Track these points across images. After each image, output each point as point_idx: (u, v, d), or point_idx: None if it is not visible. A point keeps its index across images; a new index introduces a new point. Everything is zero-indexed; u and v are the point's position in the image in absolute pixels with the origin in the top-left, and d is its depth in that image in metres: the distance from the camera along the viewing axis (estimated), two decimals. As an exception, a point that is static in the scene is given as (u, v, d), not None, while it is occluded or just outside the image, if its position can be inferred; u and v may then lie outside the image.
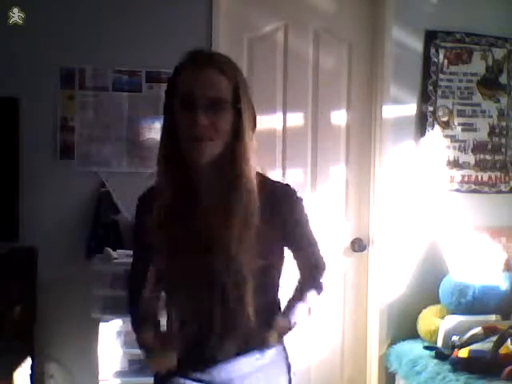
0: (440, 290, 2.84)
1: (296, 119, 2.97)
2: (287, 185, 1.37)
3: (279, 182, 1.37)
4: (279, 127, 2.94)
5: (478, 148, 3.07)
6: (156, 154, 1.29)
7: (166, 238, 1.25)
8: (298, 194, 1.37)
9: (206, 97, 1.19)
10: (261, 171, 1.32)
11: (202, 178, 1.27)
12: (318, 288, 1.45)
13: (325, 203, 2.97)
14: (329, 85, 2.99)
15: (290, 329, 1.38)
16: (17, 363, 2.47)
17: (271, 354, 1.39)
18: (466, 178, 3.05)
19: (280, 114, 2.94)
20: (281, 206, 1.31)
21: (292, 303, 1.41)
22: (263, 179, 1.31)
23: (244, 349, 1.33)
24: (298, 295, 1.42)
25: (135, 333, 1.43)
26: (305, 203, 1.40)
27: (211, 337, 1.29)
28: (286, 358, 1.47)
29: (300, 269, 1.45)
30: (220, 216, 1.23)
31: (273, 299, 1.42)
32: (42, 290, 2.65)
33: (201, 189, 1.28)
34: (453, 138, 3.04)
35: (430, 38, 2.99)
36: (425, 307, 2.87)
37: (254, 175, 1.25)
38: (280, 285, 1.42)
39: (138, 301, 1.37)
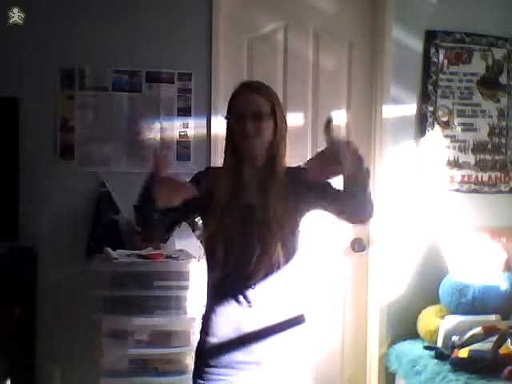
0: (440, 290, 2.84)
1: (296, 119, 2.97)
2: (299, 166, 1.79)
3: (294, 167, 1.80)
4: (279, 127, 2.94)
5: (478, 148, 3.07)
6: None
7: (225, 200, 1.69)
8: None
9: (250, 110, 1.70)
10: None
11: (250, 167, 1.75)
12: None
13: (325, 203, 2.97)
14: (329, 85, 2.99)
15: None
16: (17, 363, 2.47)
17: (295, 336, 1.72)
18: (466, 178, 3.06)
19: (280, 114, 2.94)
20: (300, 178, 1.70)
21: None
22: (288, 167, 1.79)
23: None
24: None
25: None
26: None
27: (248, 262, 1.66)
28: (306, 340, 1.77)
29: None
30: (262, 189, 1.72)
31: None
32: (42, 290, 2.66)
33: (249, 174, 1.76)
34: (453, 138, 3.04)
35: (430, 38, 2.99)
36: (425, 307, 2.87)
37: (285, 164, 1.76)
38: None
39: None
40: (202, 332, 1.75)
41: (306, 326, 1.77)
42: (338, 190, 1.68)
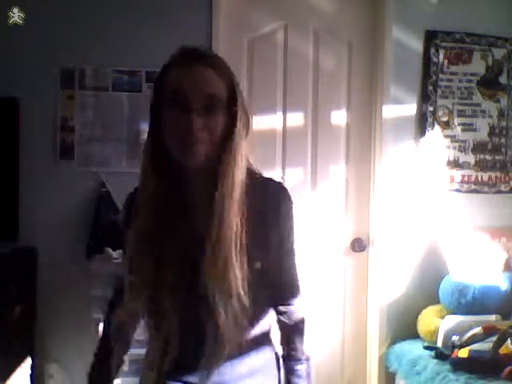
0: (440, 290, 2.84)
1: (296, 119, 2.96)
2: (280, 184, 1.27)
3: (271, 181, 1.26)
4: (279, 127, 2.94)
5: (477, 148, 3.06)
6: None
7: (152, 244, 1.18)
8: (290, 194, 1.27)
9: (198, 94, 1.11)
10: (254, 169, 1.26)
11: (190, 180, 1.21)
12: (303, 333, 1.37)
13: (325, 203, 2.97)
14: (329, 85, 2.99)
15: None
16: (17, 363, 2.47)
17: (262, 360, 1.34)
18: (465, 178, 3.06)
19: (280, 114, 2.93)
20: (273, 207, 1.23)
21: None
22: (253, 178, 1.22)
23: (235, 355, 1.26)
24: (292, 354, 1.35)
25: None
26: (294, 207, 1.28)
27: (201, 350, 1.22)
28: (278, 365, 1.39)
29: (272, 288, 1.29)
30: (207, 226, 1.15)
31: (265, 308, 1.33)
32: (42, 290, 2.65)
33: (189, 192, 1.22)
34: (453, 138, 3.04)
35: (430, 38, 2.99)
36: (425, 307, 2.87)
37: (243, 179, 1.17)
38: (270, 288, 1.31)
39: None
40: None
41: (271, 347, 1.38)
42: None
